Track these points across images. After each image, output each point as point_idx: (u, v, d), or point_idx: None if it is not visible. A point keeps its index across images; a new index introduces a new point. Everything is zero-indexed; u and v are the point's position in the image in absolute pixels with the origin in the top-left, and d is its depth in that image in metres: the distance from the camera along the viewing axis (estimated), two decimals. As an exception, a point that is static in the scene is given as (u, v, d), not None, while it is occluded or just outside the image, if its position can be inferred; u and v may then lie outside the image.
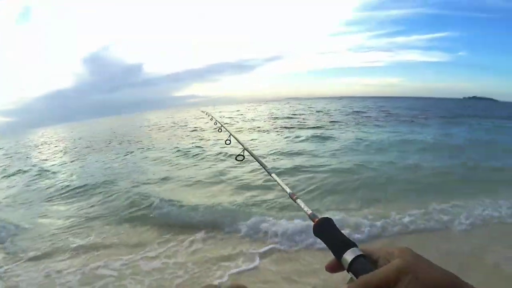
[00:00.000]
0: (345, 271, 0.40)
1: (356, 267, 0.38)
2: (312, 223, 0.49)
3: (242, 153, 1.23)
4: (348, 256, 0.39)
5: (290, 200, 0.64)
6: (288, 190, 0.66)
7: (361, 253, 0.39)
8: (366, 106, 32.55)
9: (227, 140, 1.58)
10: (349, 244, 0.41)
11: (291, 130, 13.74)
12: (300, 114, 22.60)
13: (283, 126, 15.39)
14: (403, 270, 0.34)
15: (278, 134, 12.74)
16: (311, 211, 0.53)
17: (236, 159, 1.23)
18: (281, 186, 0.71)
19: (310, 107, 32.86)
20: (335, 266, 0.42)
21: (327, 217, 0.48)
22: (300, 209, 0.56)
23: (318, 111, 25.37)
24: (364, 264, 0.38)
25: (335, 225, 0.46)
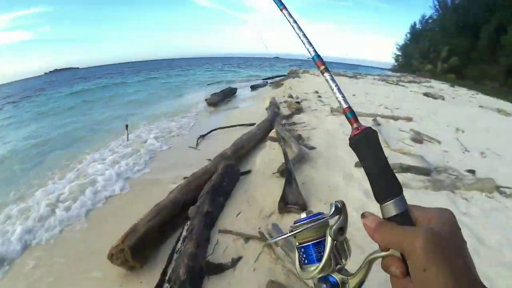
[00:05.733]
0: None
1: (395, 222, 0.33)
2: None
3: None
4: (392, 208, 0.34)
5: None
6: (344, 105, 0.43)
7: (407, 208, 0.34)
8: None
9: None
10: (397, 189, 0.34)
11: None
12: None
13: None
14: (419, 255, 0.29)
15: None
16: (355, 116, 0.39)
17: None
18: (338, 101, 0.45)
19: None
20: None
21: (372, 128, 0.37)
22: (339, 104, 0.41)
23: None
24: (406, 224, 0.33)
25: (380, 145, 0.36)
